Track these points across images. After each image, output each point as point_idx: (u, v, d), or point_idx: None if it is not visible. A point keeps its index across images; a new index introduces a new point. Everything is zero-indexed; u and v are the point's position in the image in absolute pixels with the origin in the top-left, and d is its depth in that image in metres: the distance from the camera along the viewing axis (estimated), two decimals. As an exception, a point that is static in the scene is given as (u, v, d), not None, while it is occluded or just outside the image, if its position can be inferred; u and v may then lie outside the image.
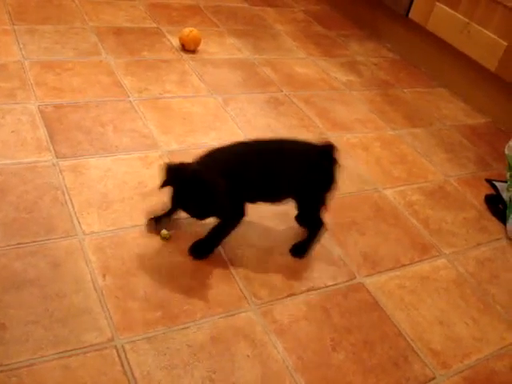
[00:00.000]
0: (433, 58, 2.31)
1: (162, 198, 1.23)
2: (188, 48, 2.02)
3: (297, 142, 1.27)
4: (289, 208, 1.41)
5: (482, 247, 1.45)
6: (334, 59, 2.27)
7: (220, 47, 2.13)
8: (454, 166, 1.76)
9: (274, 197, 1.25)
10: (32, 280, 1.06)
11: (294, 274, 1.23)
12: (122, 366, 0.96)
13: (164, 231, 1.23)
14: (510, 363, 1.15)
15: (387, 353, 1.11)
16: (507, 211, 1.54)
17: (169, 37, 2.09)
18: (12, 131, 1.42)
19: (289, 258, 1.26)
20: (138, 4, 2.28)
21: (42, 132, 1.45)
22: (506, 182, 1.62)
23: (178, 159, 1.34)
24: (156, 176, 1.34)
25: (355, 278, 1.26)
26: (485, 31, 1.99)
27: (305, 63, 2.17)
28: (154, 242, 1.22)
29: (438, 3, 2.15)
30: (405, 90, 2.16)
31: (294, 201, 1.25)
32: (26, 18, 1.97)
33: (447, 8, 2.12)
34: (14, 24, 1.91)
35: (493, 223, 1.55)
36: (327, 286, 1.22)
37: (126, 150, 1.46)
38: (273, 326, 1.10)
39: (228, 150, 1.20)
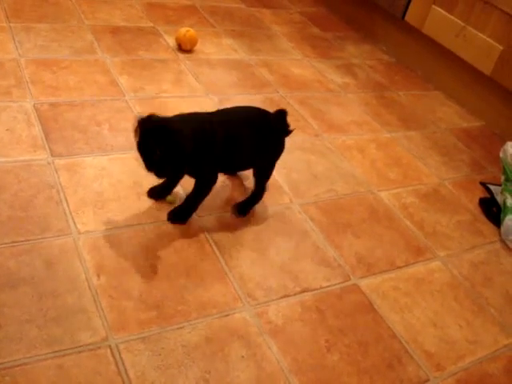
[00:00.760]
0: (428, 61, 2.31)
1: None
2: (184, 48, 2.02)
3: (253, 110, 1.34)
4: (285, 209, 1.41)
5: (476, 250, 1.46)
6: (329, 61, 2.27)
7: (216, 47, 2.13)
8: (448, 168, 1.77)
9: (239, 166, 1.36)
10: (26, 279, 1.06)
11: (289, 275, 1.23)
12: (117, 365, 0.96)
13: (169, 197, 1.32)
14: (503, 366, 1.16)
15: (381, 354, 1.11)
16: (501, 214, 1.54)
17: (165, 36, 2.09)
18: (7, 129, 1.42)
19: (284, 259, 1.26)
20: (134, 3, 2.27)
21: (38, 130, 1.44)
22: (500, 185, 1.63)
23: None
24: (152, 177, 1.34)
25: (350, 279, 1.27)
26: (480, 35, 2.00)
27: (301, 64, 2.17)
28: (149, 241, 1.21)
29: (434, 6, 2.16)
30: (400, 93, 2.17)
31: (253, 168, 1.35)
32: (22, 15, 1.96)
33: (443, 11, 2.13)
34: (9, 22, 1.90)
35: (487, 226, 1.55)
36: (322, 288, 1.22)
37: (122, 150, 1.46)
38: (267, 326, 1.10)
39: (201, 117, 1.24)
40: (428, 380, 1.09)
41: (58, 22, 1.98)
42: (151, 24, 2.15)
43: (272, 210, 1.40)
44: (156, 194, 1.32)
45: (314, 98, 1.96)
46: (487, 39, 1.98)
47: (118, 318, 1.04)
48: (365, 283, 1.26)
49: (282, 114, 1.31)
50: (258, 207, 1.39)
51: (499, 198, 1.60)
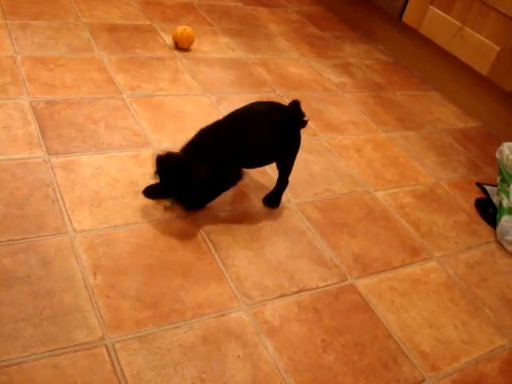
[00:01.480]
0: (425, 61, 2.32)
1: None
2: (181, 46, 2.02)
3: (266, 106, 1.37)
4: (282, 209, 1.41)
5: (472, 251, 1.46)
6: (327, 60, 2.27)
7: (213, 46, 2.13)
8: (445, 169, 1.77)
9: (259, 162, 1.38)
10: (22, 277, 1.05)
11: (286, 275, 1.23)
12: (113, 365, 0.96)
13: (167, 203, 1.30)
14: (498, 366, 1.16)
15: (377, 354, 1.11)
16: (497, 215, 1.55)
17: (162, 35, 2.08)
18: (3, 127, 1.41)
19: (280, 259, 1.26)
20: (131, 1, 2.27)
21: (34, 128, 1.44)
22: (496, 186, 1.64)
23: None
24: (148, 174, 1.34)
25: (346, 279, 1.27)
26: (477, 35, 2.00)
27: (298, 64, 2.17)
28: (146, 240, 1.21)
29: (431, 7, 2.16)
30: (397, 93, 2.17)
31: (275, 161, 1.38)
32: (18, 12, 1.95)
33: (440, 12, 2.13)
34: (6, 18, 1.89)
35: (483, 227, 1.56)
36: (318, 287, 1.22)
37: (118, 148, 1.45)
38: (264, 326, 1.10)
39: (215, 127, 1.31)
40: (423, 380, 1.09)
41: (55, 20, 1.97)
42: (148, 22, 2.15)
43: (269, 210, 1.39)
44: (152, 193, 1.32)
45: (311, 98, 1.96)
46: (484, 40, 1.98)
47: (114, 317, 1.03)
48: (361, 283, 1.27)
49: (295, 105, 1.32)
50: (255, 207, 1.39)
51: (495, 199, 1.61)
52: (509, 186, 1.53)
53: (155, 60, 1.91)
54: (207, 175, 1.21)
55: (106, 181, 1.34)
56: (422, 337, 1.17)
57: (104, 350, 0.98)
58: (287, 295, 1.18)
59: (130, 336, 1.01)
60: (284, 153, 1.36)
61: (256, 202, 1.41)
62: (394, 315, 1.21)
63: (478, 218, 1.59)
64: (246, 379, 0.99)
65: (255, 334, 1.08)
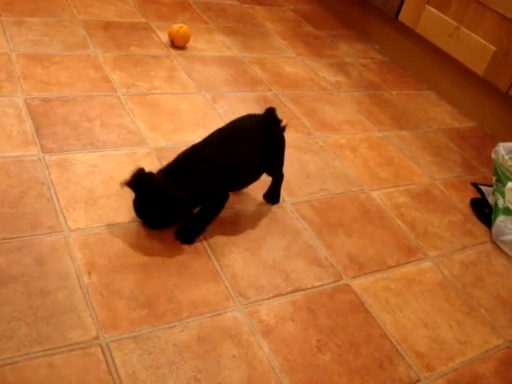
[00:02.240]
0: (421, 60, 2.32)
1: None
2: (177, 44, 2.01)
3: (243, 122, 1.31)
4: (277, 208, 1.41)
5: (467, 250, 1.46)
6: (322, 59, 2.27)
7: (209, 44, 2.12)
8: (440, 168, 1.77)
9: (253, 177, 1.34)
10: (16, 276, 1.05)
11: (281, 275, 1.22)
12: (107, 364, 0.95)
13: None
14: (493, 366, 1.16)
15: (372, 354, 1.11)
16: (492, 215, 1.55)
17: (158, 32, 2.08)
18: (-3, 124, 1.40)
19: (276, 259, 1.26)
20: (127, -2, 2.26)
21: (29, 126, 1.43)
22: (491, 186, 1.64)
23: (166, 156, 1.34)
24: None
25: (341, 279, 1.27)
26: (474, 35, 2.00)
27: (294, 62, 2.17)
28: (141, 239, 1.21)
29: (427, 6, 2.16)
30: (393, 92, 2.17)
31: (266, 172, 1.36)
32: (13, 9, 1.94)
33: (437, 11, 2.13)
34: (1, 15, 1.88)
35: (478, 227, 1.56)
36: (314, 287, 1.22)
37: (114, 146, 1.45)
38: (259, 326, 1.10)
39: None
40: (419, 380, 1.09)
41: (50, 17, 1.96)
42: (144, 20, 2.14)
43: (264, 209, 1.39)
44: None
45: (307, 97, 1.96)
46: (480, 40, 1.98)
47: (109, 317, 1.03)
48: (356, 283, 1.27)
49: (269, 114, 1.28)
50: (250, 206, 1.38)
51: (490, 199, 1.61)
52: (504, 186, 1.54)
53: (151, 58, 1.90)
54: (186, 197, 1.16)
55: (100, 179, 1.33)
56: (417, 337, 1.17)
57: (99, 349, 0.97)
58: (282, 295, 1.18)
59: (125, 335, 1.01)
60: (270, 162, 1.34)
61: (251, 201, 1.41)
62: (389, 315, 1.21)
63: (474, 218, 1.59)
64: (241, 379, 0.99)
65: (250, 333, 1.08)
